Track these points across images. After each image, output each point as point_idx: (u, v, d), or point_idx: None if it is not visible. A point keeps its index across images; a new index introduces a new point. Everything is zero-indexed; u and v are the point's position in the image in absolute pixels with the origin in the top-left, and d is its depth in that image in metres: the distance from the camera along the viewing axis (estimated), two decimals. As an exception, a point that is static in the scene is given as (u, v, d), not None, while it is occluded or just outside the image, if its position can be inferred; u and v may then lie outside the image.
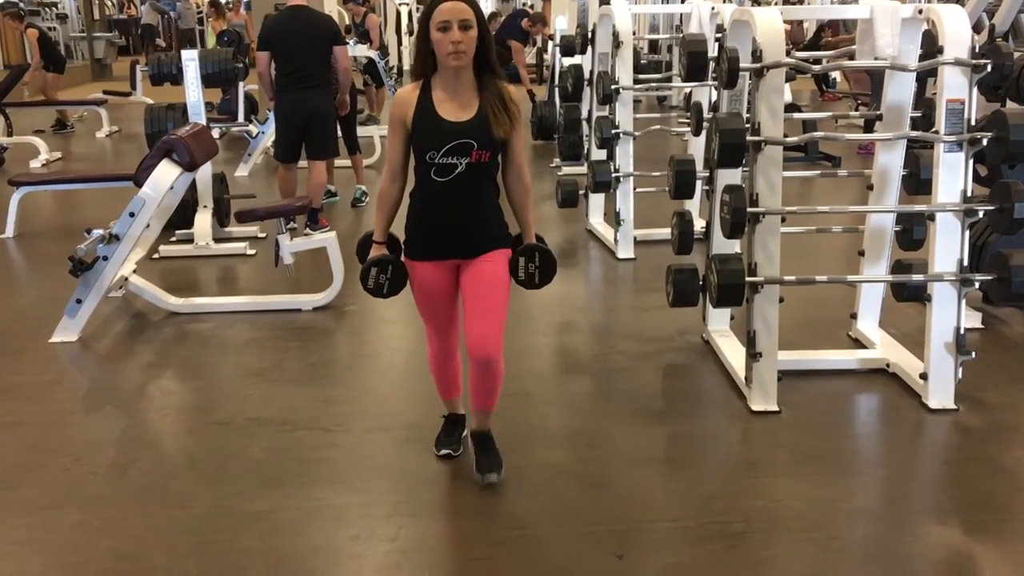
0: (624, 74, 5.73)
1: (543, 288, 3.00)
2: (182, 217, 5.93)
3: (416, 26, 2.77)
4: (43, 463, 3.29)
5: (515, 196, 2.97)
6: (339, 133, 6.90)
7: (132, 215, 4.49)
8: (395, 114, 2.85)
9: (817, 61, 4.33)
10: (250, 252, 5.97)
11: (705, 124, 4.48)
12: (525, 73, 11.65)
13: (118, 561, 2.70)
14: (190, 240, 6.00)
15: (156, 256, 5.80)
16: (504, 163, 2.92)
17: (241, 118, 9.36)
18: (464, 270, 2.94)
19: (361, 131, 7.70)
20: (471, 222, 2.89)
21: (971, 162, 3.55)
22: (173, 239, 6.09)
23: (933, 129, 3.60)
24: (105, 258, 4.45)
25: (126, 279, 4.80)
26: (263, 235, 6.24)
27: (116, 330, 4.67)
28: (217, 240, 6.06)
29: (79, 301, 4.45)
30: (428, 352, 3.14)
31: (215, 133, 7.68)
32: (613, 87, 5.70)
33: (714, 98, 4.82)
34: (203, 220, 6.00)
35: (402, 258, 2.98)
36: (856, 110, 10.15)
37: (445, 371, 3.18)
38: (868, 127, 9.13)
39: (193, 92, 6.20)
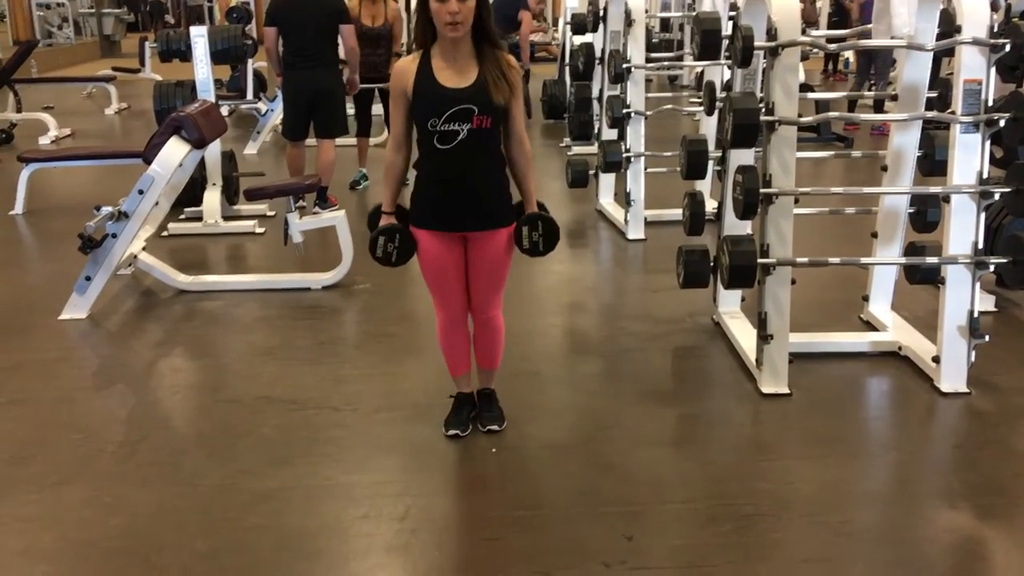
0: (636, 53, 5.68)
1: (547, 256, 3.05)
2: (191, 195, 5.92)
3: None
4: (53, 440, 3.29)
5: (517, 164, 3.01)
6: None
7: (141, 192, 4.49)
8: (396, 85, 2.89)
9: (832, 40, 4.28)
10: (259, 230, 5.96)
11: (718, 104, 4.45)
12: (527, 47, 10.40)
13: (127, 538, 2.71)
14: (199, 218, 5.99)
15: (165, 234, 5.80)
16: (504, 133, 2.95)
17: (250, 95, 9.32)
18: (472, 247, 3.00)
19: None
20: (476, 189, 2.92)
21: (987, 143, 3.51)
22: (182, 217, 6.10)
23: (949, 110, 3.56)
24: (114, 235, 4.44)
25: (135, 257, 4.80)
26: (272, 213, 6.23)
27: (125, 308, 4.68)
28: (226, 218, 6.05)
29: (88, 278, 4.45)
30: (437, 325, 3.17)
31: (224, 110, 7.66)
32: (624, 66, 5.66)
33: (727, 77, 4.77)
34: (212, 198, 6.00)
35: (410, 227, 3.02)
36: (869, 90, 10.06)
37: (454, 345, 3.19)
38: (878, 107, 9.07)
39: (202, 69, 6.18)
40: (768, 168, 3.53)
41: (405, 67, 2.87)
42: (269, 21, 6.00)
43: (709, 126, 5.67)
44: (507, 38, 9.65)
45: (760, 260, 3.55)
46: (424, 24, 2.80)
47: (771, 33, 3.50)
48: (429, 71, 2.82)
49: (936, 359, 3.61)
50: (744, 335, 3.95)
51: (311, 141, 6.26)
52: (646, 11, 5.88)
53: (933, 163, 3.83)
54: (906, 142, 3.97)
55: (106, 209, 4.48)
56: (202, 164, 5.83)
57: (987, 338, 3.56)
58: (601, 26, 6.37)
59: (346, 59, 6.23)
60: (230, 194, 6.28)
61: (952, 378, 3.58)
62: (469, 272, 3.04)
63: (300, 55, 5.93)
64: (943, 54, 4.15)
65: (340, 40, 6.05)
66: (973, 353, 3.58)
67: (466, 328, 3.19)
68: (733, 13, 4.01)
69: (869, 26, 4.04)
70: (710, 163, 4.45)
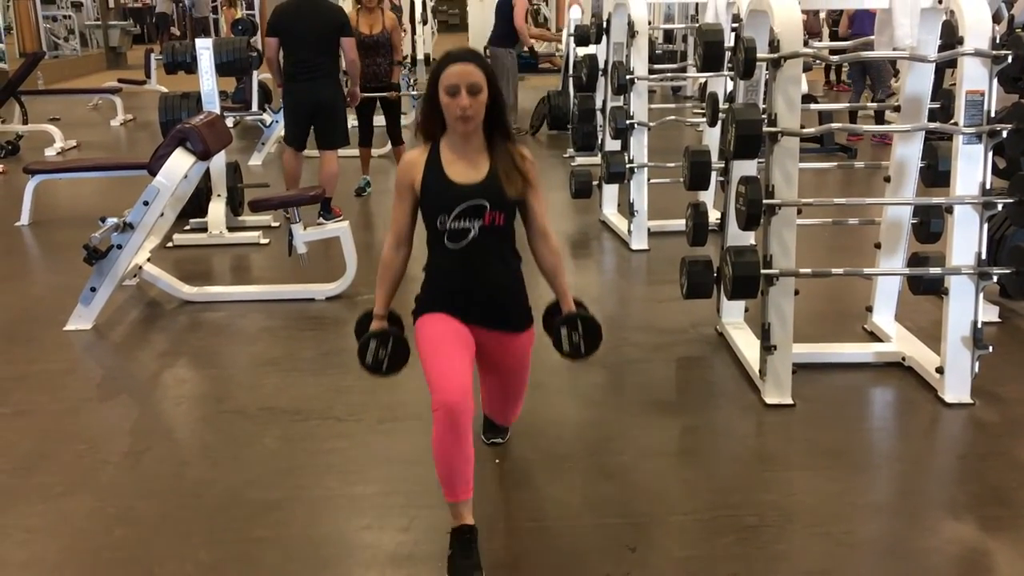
0: (639, 64, 5.70)
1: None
2: (196, 206, 5.95)
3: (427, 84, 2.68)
4: (58, 451, 3.30)
5: (544, 261, 2.80)
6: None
7: (146, 204, 4.50)
8: (402, 178, 2.70)
9: (836, 51, 4.29)
10: (263, 241, 5.98)
11: (721, 115, 4.46)
12: (525, 34, 9.86)
13: (131, 549, 2.71)
14: (204, 229, 6.01)
15: (170, 245, 5.81)
16: (527, 227, 2.77)
17: (255, 107, 9.36)
18: (485, 352, 2.78)
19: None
20: (490, 290, 2.73)
21: (990, 154, 3.51)
22: (187, 228, 6.11)
23: (952, 120, 3.56)
24: (119, 246, 4.46)
25: (140, 267, 4.82)
26: (276, 224, 6.25)
27: (130, 318, 4.69)
28: (231, 229, 6.07)
29: (93, 289, 4.46)
30: (433, 428, 2.49)
31: (229, 122, 7.69)
32: (628, 77, 5.67)
33: (730, 88, 4.79)
34: (217, 209, 6.02)
35: (414, 320, 2.77)
36: (873, 100, 10.08)
37: (452, 456, 2.51)
38: (879, 118, 9.08)
39: (207, 81, 6.21)
40: (771, 179, 3.54)
41: (413, 160, 2.68)
42: (271, 31, 6.05)
43: (712, 137, 5.68)
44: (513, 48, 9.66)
45: (763, 271, 3.55)
46: (432, 116, 2.62)
47: (773, 45, 3.51)
48: (438, 165, 2.63)
49: (940, 370, 3.61)
50: (748, 346, 3.95)
51: (313, 153, 6.28)
52: (649, 23, 5.90)
53: (936, 174, 3.83)
54: (909, 153, 3.98)
55: (111, 220, 4.50)
56: (207, 175, 5.86)
57: (991, 349, 3.56)
58: (604, 37, 6.39)
59: (347, 71, 6.27)
60: (235, 205, 6.30)
61: (956, 389, 3.57)
62: (482, 378, 2.90)
63: (301, 66, 5.96)
64: (945, 65, 4.15)
65: (341, 52, 6.08)
66: (977, 364, 3.57)
67: (469, 435, 2.52)
68: (736, 25, 4.02)
69: (871, 37, 4.06)
70: (713, 174, 4.46)
